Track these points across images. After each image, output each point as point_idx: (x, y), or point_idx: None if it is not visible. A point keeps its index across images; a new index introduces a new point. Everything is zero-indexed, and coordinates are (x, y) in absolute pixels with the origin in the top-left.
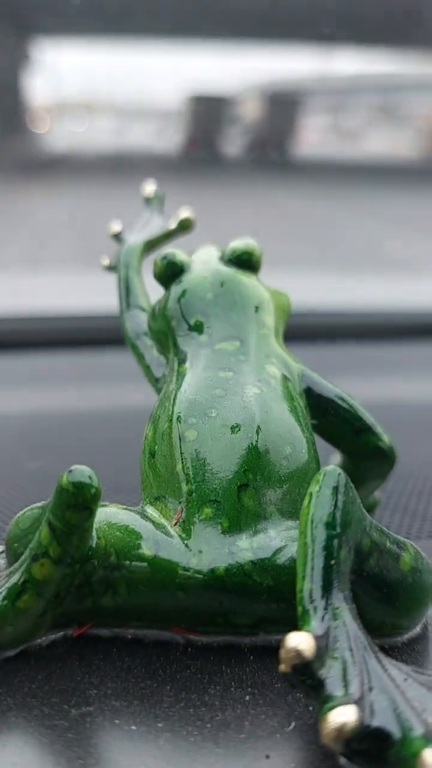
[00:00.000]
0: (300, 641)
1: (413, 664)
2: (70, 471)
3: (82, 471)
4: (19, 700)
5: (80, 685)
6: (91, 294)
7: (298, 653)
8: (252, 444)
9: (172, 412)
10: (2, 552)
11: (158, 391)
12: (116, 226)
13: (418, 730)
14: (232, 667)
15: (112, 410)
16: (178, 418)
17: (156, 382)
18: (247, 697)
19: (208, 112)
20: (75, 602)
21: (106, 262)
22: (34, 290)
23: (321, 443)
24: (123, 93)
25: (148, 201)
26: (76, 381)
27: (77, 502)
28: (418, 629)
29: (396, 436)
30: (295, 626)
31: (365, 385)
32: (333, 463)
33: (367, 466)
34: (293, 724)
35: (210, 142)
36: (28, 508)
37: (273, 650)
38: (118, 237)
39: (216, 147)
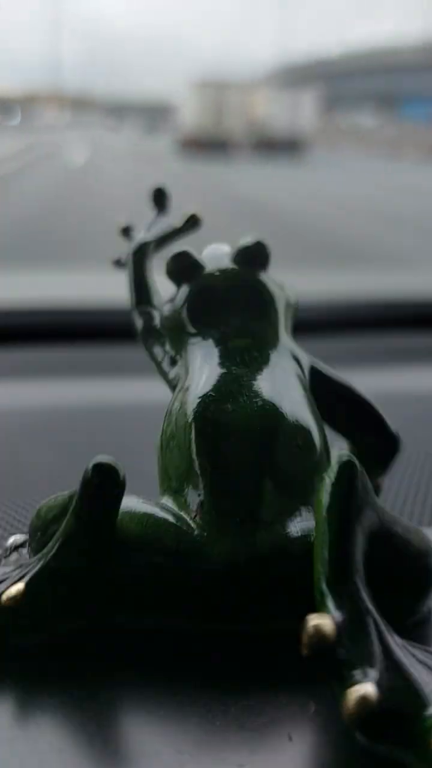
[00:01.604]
0: (321, 624)
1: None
2: (96, 462)
3: (108, 461)
4: (51, 683)
5: (105, 672)
6: (101, 289)
7: (319, 636)
8: (267, 437)
9: (189, 407)
10: (25, 542)
11: (172, 386)
12: (124, 224)
13: None
14: (251, 654)
15: (124, 405)
16: (195, 413)
17: (169, 378)
18: (268, 683)
19: (212, 103)
20: (98, 592)
21: (115, 259)
22: (40, 283)
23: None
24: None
25: (155, 199)
26: (89, 376)
27: (103, 492)
28: (425, 613)
29: (398, 426)
30: (311, 613)
31: (369, 375)
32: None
33: (373, 455)
34: (313, 707)
35: (214, 138)
36: (51, 497)
37: (291, 637)
38: (126, 234)
39: (220, 144)
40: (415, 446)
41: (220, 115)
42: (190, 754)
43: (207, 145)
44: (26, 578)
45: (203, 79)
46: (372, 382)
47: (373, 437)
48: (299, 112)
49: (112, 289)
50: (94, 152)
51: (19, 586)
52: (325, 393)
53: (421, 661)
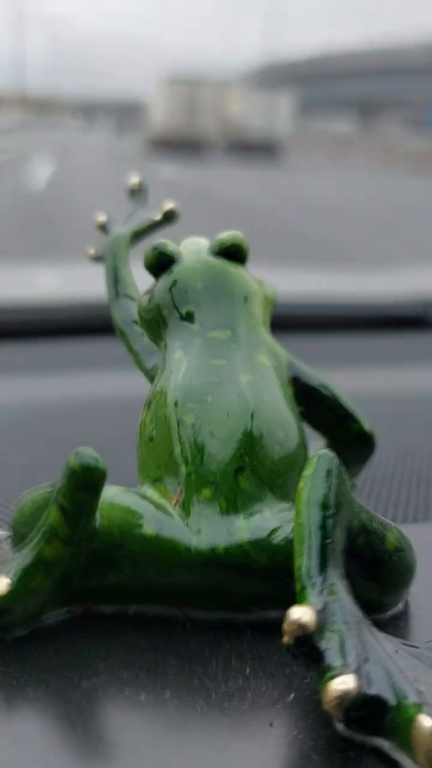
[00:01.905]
0: (302, 614)
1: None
2: (78, 453)
3: (89, 453)
4: (35, 675)
5: (89, 659)
6: (77, 283)
7: (300, 626)
8: (247, 429)
9: (170, 398)
10: (8, 537)
11: (150, 378)
12: (102, 217)
13: (411, 698)
14: (231, 642)
15: (102, 399)
16: (176, 403)
17: (146, 370)
18: (248, 670)
19: (185, 101)
20: (80, 581)
21: (92, 252)
22: (16, 280)
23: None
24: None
25: (132, 193)
26: (64, 371)
27: (86, 483)
28: (400, 606)
29: (372, 425)
30: (289, 604)
31: (341, 375)
32: (317, 448)
33: (349, 451)
34: (293, 694)
35: (186, 138)
36: (32, 490)
37: (269, 626)
38: (103, 228)
39: (193, 144)
40: (389, 445)
41: (192, 114)
42: (174, 737)
43: (179, 144)
44: (10, 572)
45: (175, 75)
46: (346, 382)
47: (349, 435)
48: (275, 114)
49: (88, 283)
50: (60, 161)
51: (5, 579)
52: (302, 389)
53: (399, 652)
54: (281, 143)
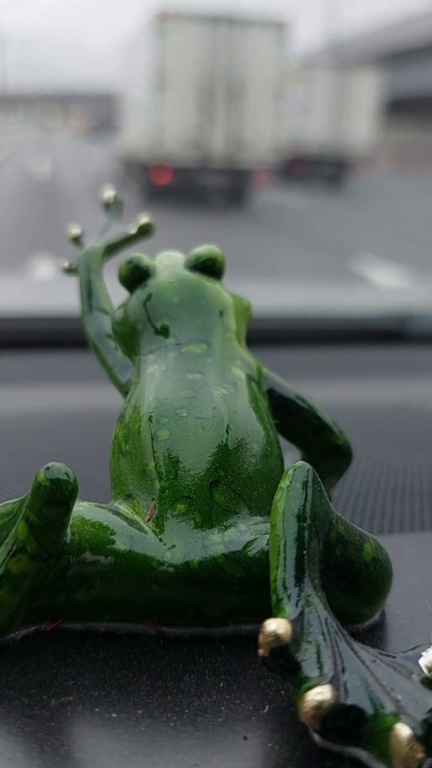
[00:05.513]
0: (278, 626)
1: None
2: (48, 468)
3: (60, 468)
4: None
5: (57, 676)
6: (53, 296)
7: (276, 637)
8: (222, 442)
9: (144, 412)
10: None
11: (123, 392)
12: (75, 230)
13: (388, 707)
14: (204, 657)
15: (73, 412)
16: (150, 417)
17: (120, 384)
18: (222, 684)
19: (203, 68)
20: (49, 597)
21: (65, 264)
22: None
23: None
24: None
25: (107, 206)
26: (36, 382)
27: (55, 498)
28: (377, 617)
29: (349, 436)
30: (264, 616)
31: (317, 388)
32: (294, 460)
33: (325, 463)
34: (267, 707)
35: (206, 160)
36: (0, 504)
37: (243, 640)
38: (77, 241)
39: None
40: (365, 456)
41: (218, 101)
42: (144, 755)
43: (190, 176)
44: None
45: (181, 10)
46: (324, 394)
47: (325, 447)
48: (351, 111)
49: (61, 297)
50: None
51: None
52: (278, 402)
53: (376, 662)
54: (360, 159)
